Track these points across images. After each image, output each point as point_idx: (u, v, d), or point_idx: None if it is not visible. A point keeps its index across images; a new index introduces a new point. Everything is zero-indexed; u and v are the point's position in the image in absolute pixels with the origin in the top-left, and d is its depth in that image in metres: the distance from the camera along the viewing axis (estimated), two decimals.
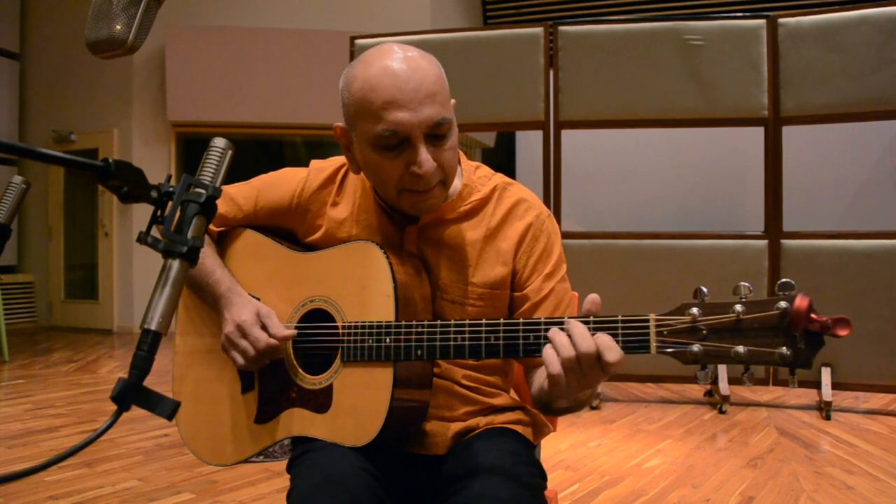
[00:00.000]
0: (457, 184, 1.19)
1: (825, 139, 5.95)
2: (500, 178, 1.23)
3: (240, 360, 1.11)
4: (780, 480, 2.73)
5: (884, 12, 3.70)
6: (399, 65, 1.04)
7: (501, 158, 7.86)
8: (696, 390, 4.34)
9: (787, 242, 3.87)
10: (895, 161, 6.32)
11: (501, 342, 0.98)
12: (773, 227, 3.91)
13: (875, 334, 3.70)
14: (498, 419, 1.17)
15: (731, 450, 3.16)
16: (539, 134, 4.15)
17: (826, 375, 3.77)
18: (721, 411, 3.84)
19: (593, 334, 0.88)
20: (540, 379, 1.10)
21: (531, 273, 1.16)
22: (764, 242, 3.88)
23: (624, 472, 2.86)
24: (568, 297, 1.17)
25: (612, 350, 0.87)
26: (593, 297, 0.93)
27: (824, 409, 3.71)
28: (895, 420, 3.69)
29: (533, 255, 1.16)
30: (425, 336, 1.02)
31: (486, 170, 1.24)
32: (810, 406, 3.97)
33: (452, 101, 1.11)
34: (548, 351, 0.90)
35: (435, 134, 1.05)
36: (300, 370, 1.12)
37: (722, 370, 3.92)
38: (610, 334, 0.90)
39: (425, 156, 1.04)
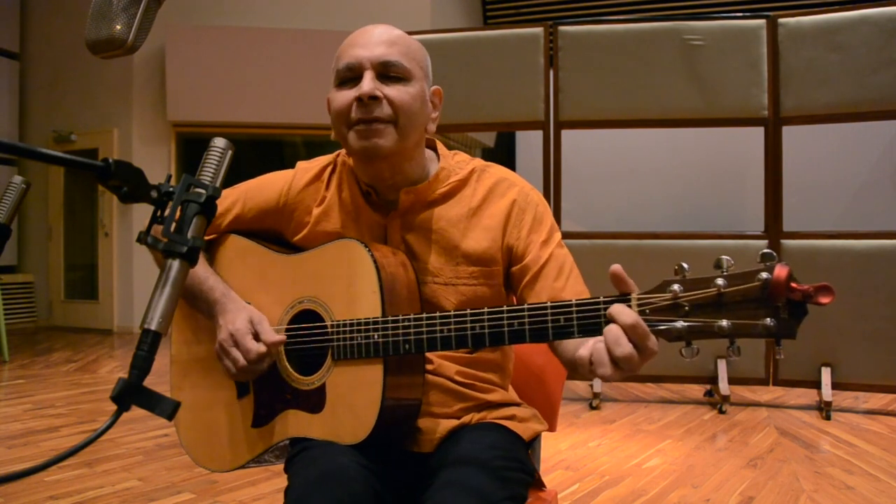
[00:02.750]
0: (434, 167, 1.21)
1: (825, 139, 5.96)
2: (478, 161, 1.24)
3: (232, 369, 1.12)
4: (780, 480, 2.74)
5: (884, 12, 3.70)
6: (377, 25, 1.17)
7: (501, 158, 7.86)
8: (696, 390, 4.34)
9: (787, 242, 3.87)
10: (895, 161, 6.33)
11: (486, 330, 0.98)
12: (773, 227, 3.91)
13: (875, 334, 3.70)
14: (490, 415, 1.17)
15: (731, 450, 3.16)
16: (539, 134, 4.14)
17: (826, 375, 3.76)
18: (721, 411, 3.84)
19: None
20: (582, 350, 0.97)
21: (527, 245, 1.16)
22: (764, 242, 3.88)
23: (624, 472, 2.86)
24: (569, 261, 1.16)
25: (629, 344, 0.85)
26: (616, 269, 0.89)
27: (824, 409, 3.71)
28: (895, 420, 3.69)
29: (524, 228, 1.16)
30: (412, 329, 1.02)
31: (464, 155, 1.25)
32: (810, 406, 3.97)
33: (435, 87, 1.19)
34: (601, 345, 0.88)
35: (386, 74, 1.11)
36: (293, 372, 1.12)
37: (722, 370, 3.92)
38: (592, 315, 0.90)
39: (367, 79, 1.10)
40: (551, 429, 1.33)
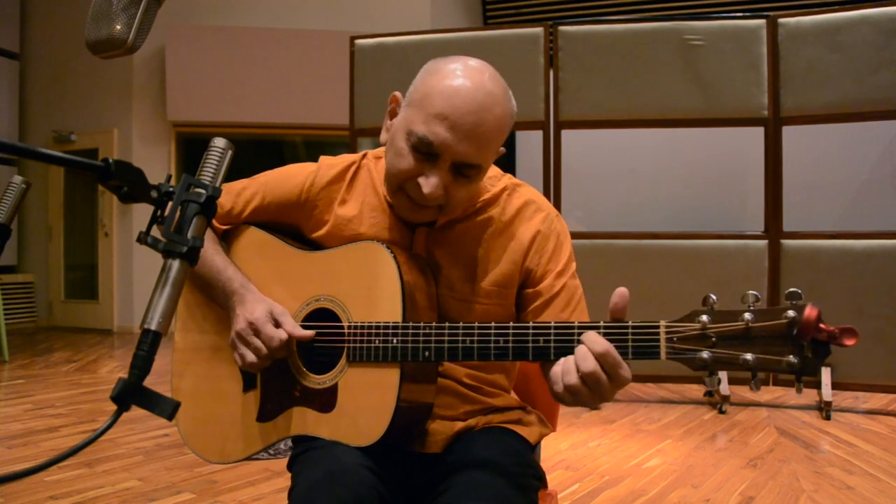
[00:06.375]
0: None
1: (825, 139, 5.95)
2: (508, 178, 1.24)
3: (249, 357, 1.09)
4: (780, 480, 2.74)
5: (884, 12, 3.70)
6: (478, 93, 1.04)
7: (501, 158, 7.84)
8: (696, 390, 4.34)
9: (787, 242, 3.87)
10: (895, 161, 6.32)
11: (511, 345, 0.98)
12: (773, 227, 3.91)
13: (875, 334, 3.70)
14: (496, 419, 1.18)
15: (731, 450, 3.16)
16: (539, 134, 4.14)
17: (826, 375, 3.77)
18: (721, 411, 3.84)
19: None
20: (556, 365, 1.02)
21: (544, 272, 1.16)
22: (764, 242, 3.88)
23: (624, 472, 2.86)
24: (578, 293, 1.18)
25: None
26: (621, 291, 0.93)
27: (824, 409, 3.71)
28: (895, 420, 3.69)
29: (544, 255, 1.17)
30: (433, 337, 1.02)
31: (495, 170, 1.24)
32: (810, 406, 3.97)
33: (502, 149, 1.12)
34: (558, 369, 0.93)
35: (461, 171, 1.07)
36: (304, 369, 1.12)
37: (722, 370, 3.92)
38: (621, 339, 0.91)
39: (435, 181, 1.05)
40: (552, 429, 1.33)
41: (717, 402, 3.95)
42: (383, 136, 1.15)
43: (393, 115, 1.14)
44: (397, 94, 1.13)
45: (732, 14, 4.51)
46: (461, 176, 1.07)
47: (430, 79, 1.07)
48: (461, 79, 1.05)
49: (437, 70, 1.08)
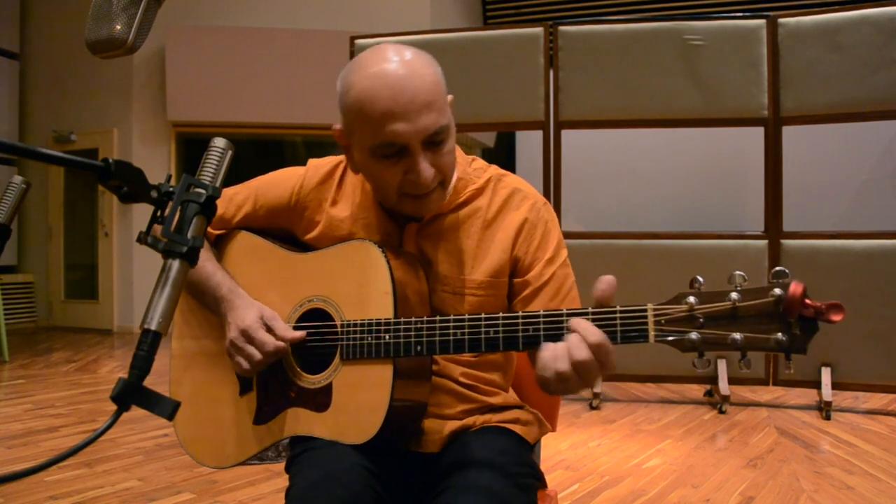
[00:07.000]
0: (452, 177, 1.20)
1: (825, 139, 5.96)
2: (494, 169, 1.24)
3: (245, 364, 1.10)
4: (780, 480, 2.74)
5: (884, 12, 3.70)
6: (395, 71, 1.02)
7: (501, 158, 7.86)
8: (696, 390, 4.34)
9: (787, 242, 3.87)
10: (895, 161, 6.33)
11: (501, 335, 0.98)
12: (773, 227, 3.91)
13: (875, 334, 3.70)
14: (494, 418, 1.17)
15: (731, 450, 3.16)
16: (539, 134, 4.15)
17: (826, 375, 3.76)
18: (721, 411, 3.84)
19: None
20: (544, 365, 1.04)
21: (532, 260, 1.16)
22: (764, 242, 3.88)
23: (624, 472, 2.86)
24: (569, 282, 1.17)
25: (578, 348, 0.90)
26: (607, 279, 0.92)
27: (824, 409, 3.71)
28: (895, 420, 3.69)
29: (533, 244, 1.16)
30: (424, 331, 1.02)
31: (480, 162, 1.24)
32: (810, 406, 3.97)
33: (450, 97, 1.10)
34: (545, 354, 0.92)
35: (433, 141, 1.06)
36: (299, 370, 1.12)
37: (722, 370, 3.92)
38: (609, 324, 0.91)
39: (424, 164, 1.04)
40: (552, 429, 1.33)
41: (717, 402, 3.95)
42: (355, 168, 1.15)
43: (348, 147, 1.13)
44: (337, 126, 1.12)
45: (732, 14, 4.50)
46: (437, 145, 1.06)
47: (350, 95, 1.05)
48: (371, 70, 1.03)
49: (350, 84, 1.06)
